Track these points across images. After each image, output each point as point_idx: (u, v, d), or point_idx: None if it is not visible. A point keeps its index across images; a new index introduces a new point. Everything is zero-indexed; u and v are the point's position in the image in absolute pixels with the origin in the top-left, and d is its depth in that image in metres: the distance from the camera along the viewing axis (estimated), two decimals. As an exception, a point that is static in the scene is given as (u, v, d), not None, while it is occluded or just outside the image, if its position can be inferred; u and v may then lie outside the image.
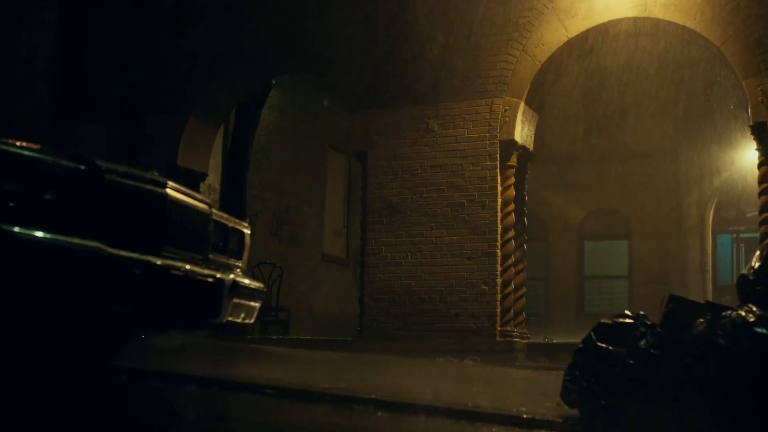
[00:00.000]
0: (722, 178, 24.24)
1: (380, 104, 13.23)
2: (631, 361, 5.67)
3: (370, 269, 12.97)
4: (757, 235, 24.71)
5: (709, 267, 24.49)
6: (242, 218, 16.26)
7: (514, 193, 12.50)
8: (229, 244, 5.68)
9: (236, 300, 5.32)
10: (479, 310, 12.25)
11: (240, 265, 5.87)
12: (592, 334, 6.01)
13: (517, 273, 12.64)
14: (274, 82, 16.15)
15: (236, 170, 16.15)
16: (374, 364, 10.29)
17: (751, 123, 11.52)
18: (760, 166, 11.39)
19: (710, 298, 24.05)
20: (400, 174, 12.93)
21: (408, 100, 13.05)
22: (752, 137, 11.71)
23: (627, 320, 5.97)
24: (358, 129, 13.42)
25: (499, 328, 12.20)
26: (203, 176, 15.17)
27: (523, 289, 12.80)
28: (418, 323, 12.53)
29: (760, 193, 11.32)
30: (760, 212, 11.29)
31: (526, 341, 12.48)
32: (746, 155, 23.68)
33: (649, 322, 5.93)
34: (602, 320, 6.13)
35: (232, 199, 16.02)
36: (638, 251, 25.13)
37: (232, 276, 5.32)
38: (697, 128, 24.13)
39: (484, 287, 12.27)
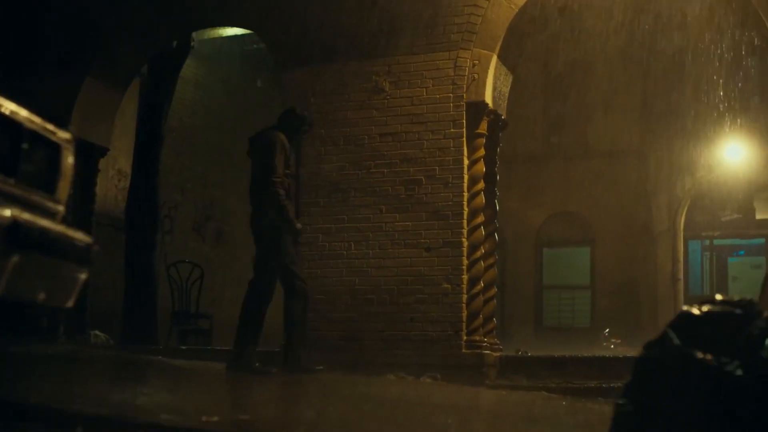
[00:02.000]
0: (696, 178, 22.02)
1: (319, 59, 10.70)
2: (749, 380, 3.20)
3: (304, 263, 10.38)
4: (733, 241, 22.74)
5: (681, 275, 22.21)
6: (154, 211, 13.83)
7: (484, 168, 10.02)
8: (23, 162, 3.06)
9: (22, 257, 2.71)
10: (440, 314, 9.74)
11: (51, 204, 3.25)
12: (671, 332, 3.45)
13: (488, 268, 10.14)
14: (194, 42, 13.51)
15: (147, 149, 13.44)
16: (302, 384, 7.70)
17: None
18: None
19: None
20: (343, 144, 10.40)
21: (353, 54, 10.54)
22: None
23: (728, 309, 3.47)
24: (291, 89, 10.85)
25: (465, 337, 9.70)
26: (103, 151, 12.49)
27: (494, 289, 10.29)
28: (362, 330, 9.99)
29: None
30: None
31: (498, 354, 9.98)
32: (724, 152, 21.67)
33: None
34: (684, 308, 3.61)
35: (143, 185, 13.33)
36: (602, 259, 22.97)
37: (9, 212, 2.71)
38: (669, 124, 21.96)
39: (446, 285, 9.77)
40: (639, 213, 22.33)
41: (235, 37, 15.78)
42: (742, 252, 23.19)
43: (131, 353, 10.59)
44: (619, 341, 19.76)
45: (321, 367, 8.16)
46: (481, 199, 9.94)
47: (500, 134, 10.60)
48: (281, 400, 6.71)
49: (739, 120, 21.09)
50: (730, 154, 21.63)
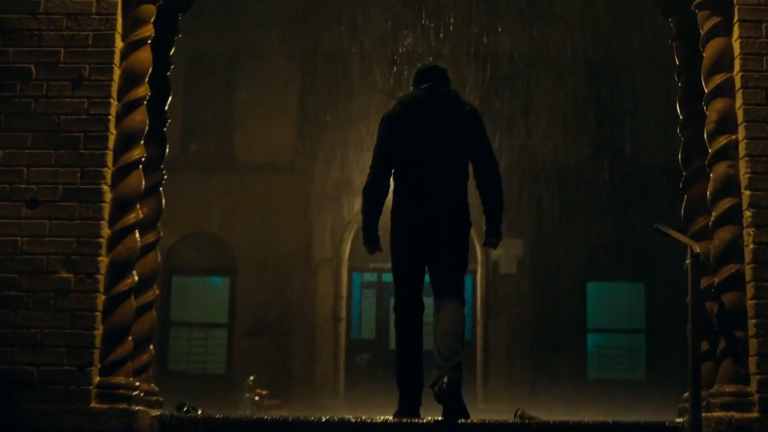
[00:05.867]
0: (365, 199, 18.65)
1: None
2: None
3: None
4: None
5: (344, 314, 18.74)
6: None
7: (151, 61, 5.36)
8: None
9: None
10: (51, 332, 4.91)
11: None
12: None
13: (147, 249, 5.50)
14: None
15: None
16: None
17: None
18: (706, 39, 5.30)
19: (343, 354, 18.48)
20: None
21: None
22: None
23: None
24: None
25: (97, 378, 4.93)
26: None
27: (154, 290, 5.63)
28: None
29: (709, 97, 5.23)
30: (711, 136, 5.18)
31: (157, 413, 5.27)
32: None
33: None
34: None
35: None
36: (245, 291, 19.43)
37: None
38: (336, 134, 18.81)
39: (64, 275, 4.98)
40: (296, 238, 18.94)
41: None
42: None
43: None
44: (265, 393, 16.62)
45: None
46: (143, 116, 5.25)
47: (179, 17, 6.02)
48: None
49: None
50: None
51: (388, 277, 19.90)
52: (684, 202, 5.57)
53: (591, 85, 19.29)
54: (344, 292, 18.91)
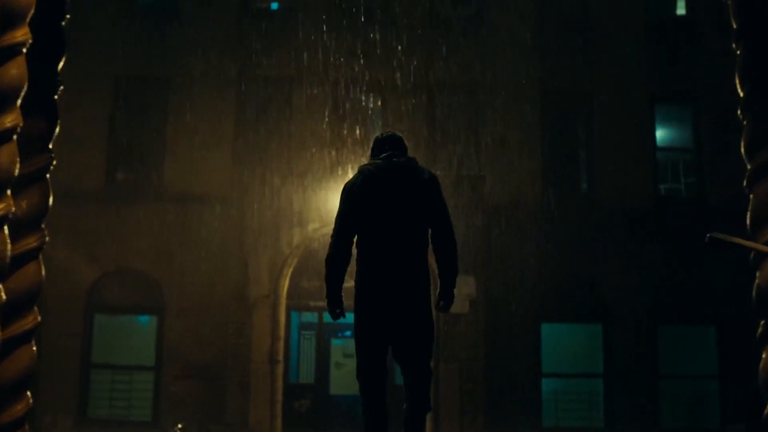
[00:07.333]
0: (307, 232, 17.46)
1: None
2: None
3: None
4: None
5: (281, 357, 17.35)
6: None
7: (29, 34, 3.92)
8: None
9: None
10: None
11: None
12: None
13: (28, 256, 3.99)
14: None
15: None
16: None
17: None
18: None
19: (281, 399, 17.18)
20: None
21: None
22: None
23: None
24: None
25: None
26: None
27: (36, 315, 4.12)
28: None
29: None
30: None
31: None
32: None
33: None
34: None
35: None
36: (174, 332, 17.74)
37: None
38: (273, 163, 17.85)
39: None
40: (230, 274, 17.50)
41: None
42: (348, 333, 18.82)
43: None
44: (196, 442, 15.66)
45: None
46: (20, 71, 3.81)
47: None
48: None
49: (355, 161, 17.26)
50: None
51: (329, 317, 18.97)
52: (751, 203, 4.26)
53: (545, 118, 18.40)
54: (282, 332, 17.54)
